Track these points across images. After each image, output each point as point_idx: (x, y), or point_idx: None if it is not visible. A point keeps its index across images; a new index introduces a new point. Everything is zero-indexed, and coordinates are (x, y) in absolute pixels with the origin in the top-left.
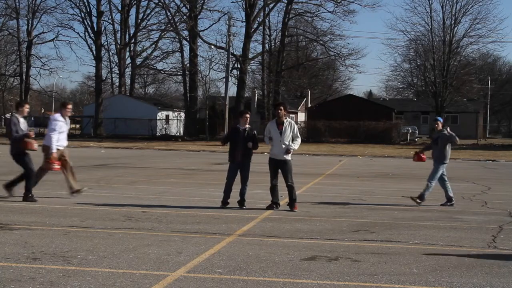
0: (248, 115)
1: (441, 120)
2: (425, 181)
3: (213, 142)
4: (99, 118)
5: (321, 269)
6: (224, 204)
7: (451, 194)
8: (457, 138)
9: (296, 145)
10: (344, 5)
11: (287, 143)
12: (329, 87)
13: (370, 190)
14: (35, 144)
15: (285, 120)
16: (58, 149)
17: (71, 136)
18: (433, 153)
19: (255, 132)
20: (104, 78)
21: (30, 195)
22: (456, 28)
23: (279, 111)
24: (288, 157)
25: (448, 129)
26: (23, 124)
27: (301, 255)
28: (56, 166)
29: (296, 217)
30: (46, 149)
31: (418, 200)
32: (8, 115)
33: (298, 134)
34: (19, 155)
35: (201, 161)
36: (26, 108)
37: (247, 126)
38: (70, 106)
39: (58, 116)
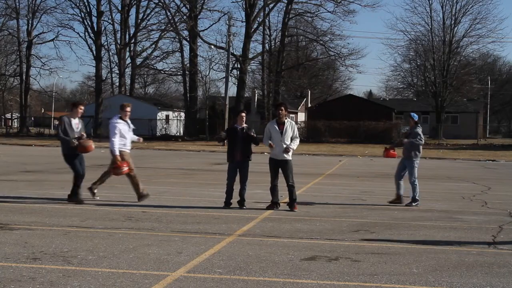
0: (244, 114)
1: (414, 117)
2: (423, 181)
3: (213, 142)
4: (99, 118)
5: (321, 269)
6: (227, 205)
7: (402, 193)
8: (422, 141)
9: (294, 145)
10: (344, 5)
11: (287, 143)
12: (329, 87)
13: (370, 190)
14: (92, 145)
15: (285, 120)
16: (126, 151)
17: None
18: (404, 150)
19: (253, 130)
20: (104, 78)
21: (76, 196)
22: (456, 28)
23: (280, 111)
24: (289, 156)
25: (420, 129)
26: (75, 125)
27: (301, 255)
28: (125, 168)
29: (296, 217)
30: (111, 153)
31: (413, 204)
32: (8, 115)
33: (297, 135)
34: (68, 156)
35: (201, 161)
36: (80, 109)
37: (244, 125)
38: (129, 109)
39: (116, 118)
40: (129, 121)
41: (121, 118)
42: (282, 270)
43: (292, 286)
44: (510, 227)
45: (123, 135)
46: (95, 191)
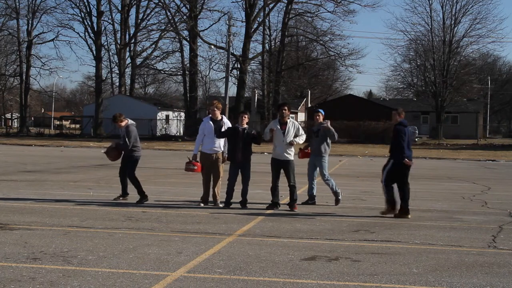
0: (245, 115)
1: (323, 113)
2: (424, 181)
3: None
4: (99, 118)
5: (321, 269)
6: (228, 205)
7: (314, 193)
8: (336, 135)
9: (300, 140)
10: (344, 5)
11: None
12: (329, 87)
13: (370, 190)
14: (109, 156)
15: (288, 120)
16: (205, 153)
17: (70, 136)
18: (312, 146)
19: (254, 131)
20: (104, 78)
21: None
22: (456, 28)
23: (284, 111)
24: (291, 157)
25: (329, 122)
26: (121, 132)
27: (301, 255)
28: (192, 166)
29: (296, 217)
30: None
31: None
32: (8, 115)
33: (303, 132)
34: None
35: None
36: (119, 124)
37: (246, 126)
38: (212, 107)
39: (205, 118)
40: (221, 122)
41: (210, 119)
42: (282, 270)
43: (292, 286)
44: (510, 227)
45: (207, 135)
46: (218, 202)
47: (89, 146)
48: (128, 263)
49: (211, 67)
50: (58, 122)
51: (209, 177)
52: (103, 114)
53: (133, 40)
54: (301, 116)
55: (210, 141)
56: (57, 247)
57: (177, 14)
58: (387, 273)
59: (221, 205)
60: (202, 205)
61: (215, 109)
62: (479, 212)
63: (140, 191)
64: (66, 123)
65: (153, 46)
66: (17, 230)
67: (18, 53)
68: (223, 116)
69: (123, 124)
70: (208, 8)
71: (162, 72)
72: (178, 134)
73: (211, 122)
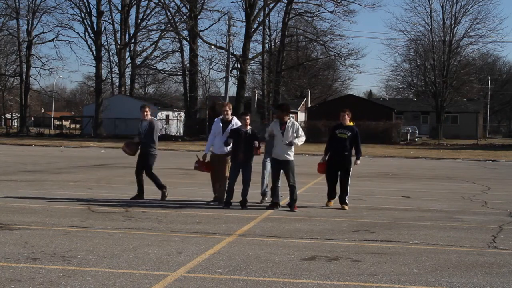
0: (247, 117)
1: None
2: (424, 181)
3: None
4: (99, 118)
5: (321, 269)
6: (228, 204)
7: (266, 189)
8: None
9: (299, 141)
10: (344, 5)
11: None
12: (329, 87)
13: (370, 190)
14: (124, 149)
15: (287, 121)
16: (214, 153)
17: (70, 136)
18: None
19: (256, 131)
20: (104, 78)
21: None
22: (456, 28)
23: (281, 112)
24: (291, 157)
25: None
26: (143, 127)
27: (301, 255)
28: (196, 165)
29: (296, 217)
30: None
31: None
32: (8, 115)
33: (302, 134)
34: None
35: None
36: (144, 112)
37: (249, 127)
38: (226, 108)
39: (217, 118)
40: (231, 123)
41: (222, 119)
42: (282, 270)
43: (292, 286)
44: (510, 227)
45: (217, 136)
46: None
47: (89, 146)
48: (128, 263)
49: (211, 67)
50: (58, 122)
51: (217, 177)
52: (103, 114)
53: (133, 40)
54: (301, 116)
55: (220, 142)
56: (57, 247)
57: (177, 14)
58: (387, 273)
59: (214, 203)
60: (212, 204)
61: (228, 110)
62: (479, 212)
63: (158, 184)
64: (66, 123)
65: (153, 46)
66: (17, 230)
67: (18, 53)
68: (234, 117)
69: (148, 117)
70: (208, 8)
71: (162, 72)
72: (178, 134)
73: (221, 124)
